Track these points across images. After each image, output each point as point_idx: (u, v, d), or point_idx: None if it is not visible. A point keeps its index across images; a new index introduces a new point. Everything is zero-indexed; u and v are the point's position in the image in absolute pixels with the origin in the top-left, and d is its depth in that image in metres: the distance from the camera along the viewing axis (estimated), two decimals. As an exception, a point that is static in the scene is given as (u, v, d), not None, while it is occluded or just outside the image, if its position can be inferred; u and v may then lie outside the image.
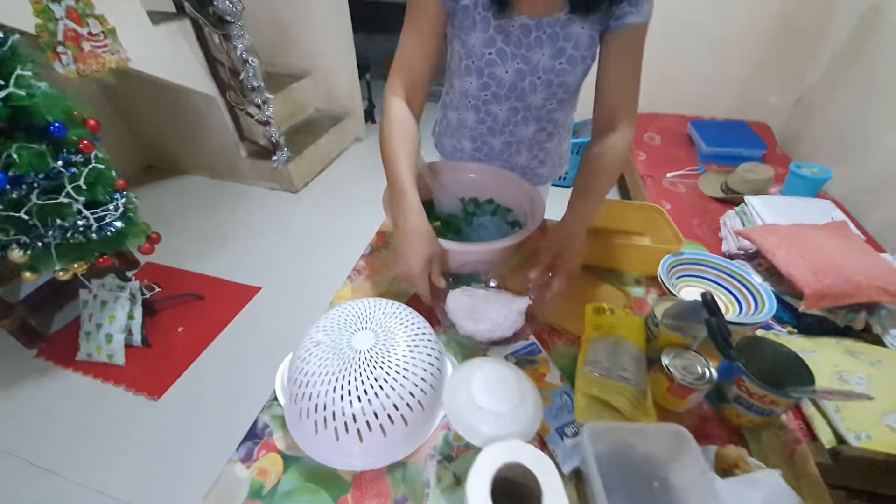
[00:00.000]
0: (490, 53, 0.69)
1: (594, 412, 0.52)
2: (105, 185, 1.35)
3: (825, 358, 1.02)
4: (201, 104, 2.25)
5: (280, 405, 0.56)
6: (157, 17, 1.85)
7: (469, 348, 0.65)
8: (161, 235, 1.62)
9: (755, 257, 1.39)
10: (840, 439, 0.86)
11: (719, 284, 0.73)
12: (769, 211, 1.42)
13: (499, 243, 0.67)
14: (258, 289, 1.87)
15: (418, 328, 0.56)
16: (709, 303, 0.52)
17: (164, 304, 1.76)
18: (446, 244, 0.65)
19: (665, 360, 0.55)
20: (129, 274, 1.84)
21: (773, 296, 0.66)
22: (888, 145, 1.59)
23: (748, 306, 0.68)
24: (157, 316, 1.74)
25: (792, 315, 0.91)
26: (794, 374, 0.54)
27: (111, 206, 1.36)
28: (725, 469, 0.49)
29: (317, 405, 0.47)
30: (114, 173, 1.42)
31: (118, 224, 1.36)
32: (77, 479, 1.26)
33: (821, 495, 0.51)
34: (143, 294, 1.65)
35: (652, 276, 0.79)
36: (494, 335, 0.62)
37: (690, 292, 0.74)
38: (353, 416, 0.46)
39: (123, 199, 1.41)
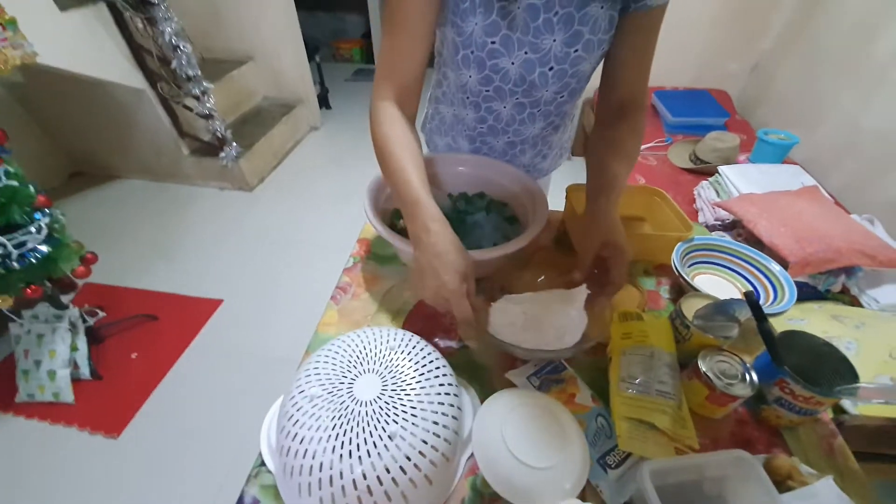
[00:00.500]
0: (493, 42, 0.59)
1: (637, 436, 0.46)
2: (21, 205, 1.15)
3: (813, 326, 1.03)
4: (130, 99, 1.99)
5: (269, 471, 0.46)
6: (65, 3, 1.58)
7: (485, 370, 0.58)
8: (97, 255, 1.43)
9: (733, 227, 1.41)
10: (838, 409, 0.88)
11: (734, 270, 0.69)
12: (743, 180, 1.43)
13: (519, 242, 0.59)
14: (219, 302, 1.71)
15: (429, 360, 0.48)
16: (755, 305, 0.47)
17: (112, 329, 1.57)
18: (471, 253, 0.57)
19: (703, 367, 0.51)
20: (66, 300, 1.62)
21: (792, 283, 0.63)
22: (842, 108, 1.64)
23: (766, 294, 0.65)
24: (105, 343, 1.55)
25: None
26: (830, 367, 0.51)
27: (32, 229, 1.16)
28: (778, 482, 0.46)
29: (320, 480, 0.39)
30: (31, 189, 1.22)
31: (43, 248, 1.17)
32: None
33: (864, 492, 0.49)
34: (84, 321, 1.46)
35: (660, 266, 0.75)
36: (565, 341, 0.54)
37: (704, 280, 0.70)
38: (369, 488, 0.38)
39: (47, 219, 1.21)
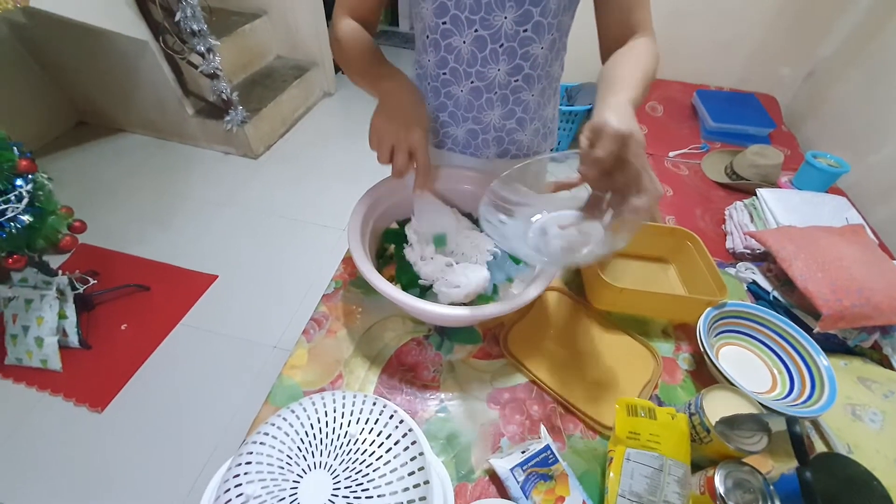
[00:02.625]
0: (444, 23, 0.60)
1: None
2: (2, 170, 1.08)
3: (838, 390, 0.95)
4: (131, 51, 1.88)
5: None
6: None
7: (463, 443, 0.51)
8: (90, 219, 1.38)
9: (763, 259, 1.29)
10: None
11: (769, 347, 0.60)
12: (783, 208, 1.29)
13: (529, 292, 0.52)
14: (214, 277, 1.66)
15: (396, 444, 0.41)
16: (800, 447, 0.38)
17: (104, 296, 1.54)
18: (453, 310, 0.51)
19: (720, 487, 0.43)
20: (58, 261, 1.59)
21: (835, 383, 0.53)
22: (905, 134, 1.47)
23: (801, 385, 0.55)
24: (96, 311, 1.52)
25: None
26: (862, 499, 0.43)
27: (12, 196, 1.10)
28: None
29: None
30: (15, 151, 1.14)
31: (25, 218, 1.11)
32: (5, 499, 1.11)
33: None
34: (74, 289, 1.42)
35: (681, 326, 0.65)
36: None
37: (731, 353, 0.61)
38: None
39: (30, 185, 1.14)
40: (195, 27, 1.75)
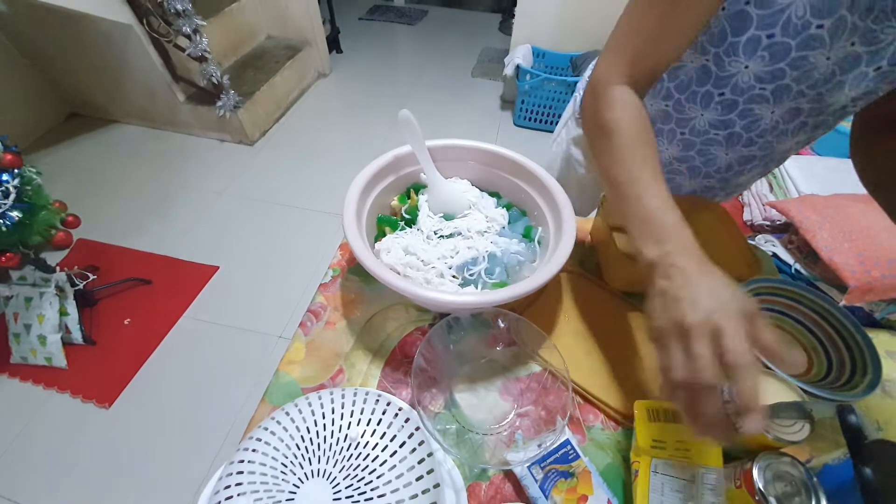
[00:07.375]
0: (762, 88, 0.48)
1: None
2: (-18, 164, 1.04)
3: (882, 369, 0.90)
4: (116, 36, 1.80)
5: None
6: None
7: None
8: (88, 209, 1.34)
9: (785, 230, 1.23)
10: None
11: (805, 326, 0.55)
12: (805, 176, 1.22)
13: (541, 274, 0.48)
14: (215, 268, 1.63)
15: (404, 445, 0.37)
16: (855, 438, 0.34)
17: (105, 291, 1.52)
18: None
19: (759, 481, 0.39)
20: (57, 258, 1.56)
21: (880, 363, 0.48)
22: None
23: (841, 366, 0.51)
24: (98, 306, 1.50)
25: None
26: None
27: (-1, 191, 1.06)
28: None
29: None
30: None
31: (14, 214, 1.07)
32: (16, 498, 1.12)
33: None
34: (73, 285, 1.40)
35: (705, 305, 0.61)
36: None
37: (761, 334, 0.56)
38: None
39: (16, 180, 1.10)
40: (179, 7, 1.67)
